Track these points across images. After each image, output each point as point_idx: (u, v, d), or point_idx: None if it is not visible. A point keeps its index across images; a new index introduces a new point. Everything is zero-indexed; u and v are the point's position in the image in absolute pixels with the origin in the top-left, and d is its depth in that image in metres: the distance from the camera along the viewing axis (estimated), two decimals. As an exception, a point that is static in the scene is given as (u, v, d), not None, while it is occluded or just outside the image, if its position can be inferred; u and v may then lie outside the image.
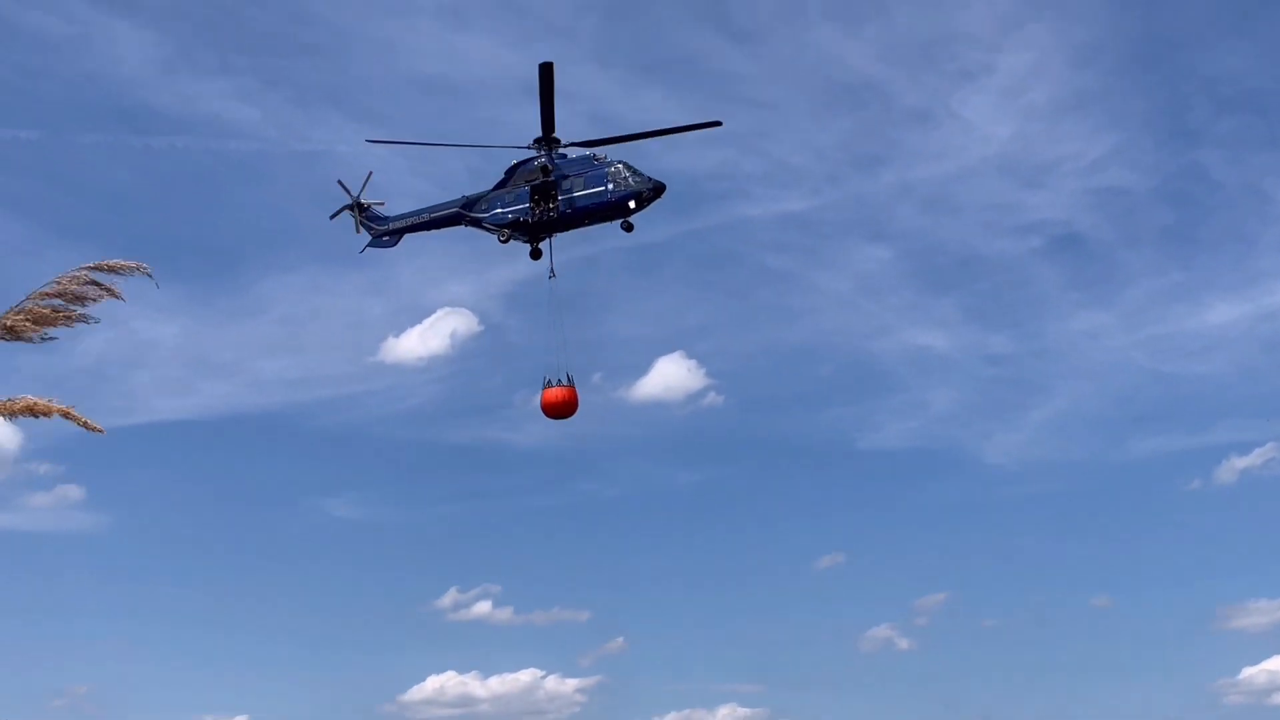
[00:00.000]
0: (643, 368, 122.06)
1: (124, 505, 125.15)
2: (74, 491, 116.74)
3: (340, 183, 69.85)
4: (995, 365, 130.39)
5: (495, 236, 66.73)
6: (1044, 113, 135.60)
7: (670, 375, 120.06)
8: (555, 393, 63.82)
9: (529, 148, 64.95)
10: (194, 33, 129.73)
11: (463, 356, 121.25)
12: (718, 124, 63.00)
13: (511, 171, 66.46)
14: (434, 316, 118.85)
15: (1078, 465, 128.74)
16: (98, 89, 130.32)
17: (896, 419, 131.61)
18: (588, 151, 64.41)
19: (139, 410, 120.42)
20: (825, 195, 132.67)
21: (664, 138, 63.58)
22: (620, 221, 63.72)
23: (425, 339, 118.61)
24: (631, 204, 62.93)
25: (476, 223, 67.17)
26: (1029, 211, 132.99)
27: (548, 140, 64.28)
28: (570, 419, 64.70)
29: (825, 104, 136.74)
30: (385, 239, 70.01)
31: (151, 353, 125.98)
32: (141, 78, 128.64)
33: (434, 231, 69.12)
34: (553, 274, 65.40)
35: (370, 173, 70.29)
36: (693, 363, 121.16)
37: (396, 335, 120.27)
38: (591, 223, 64.58)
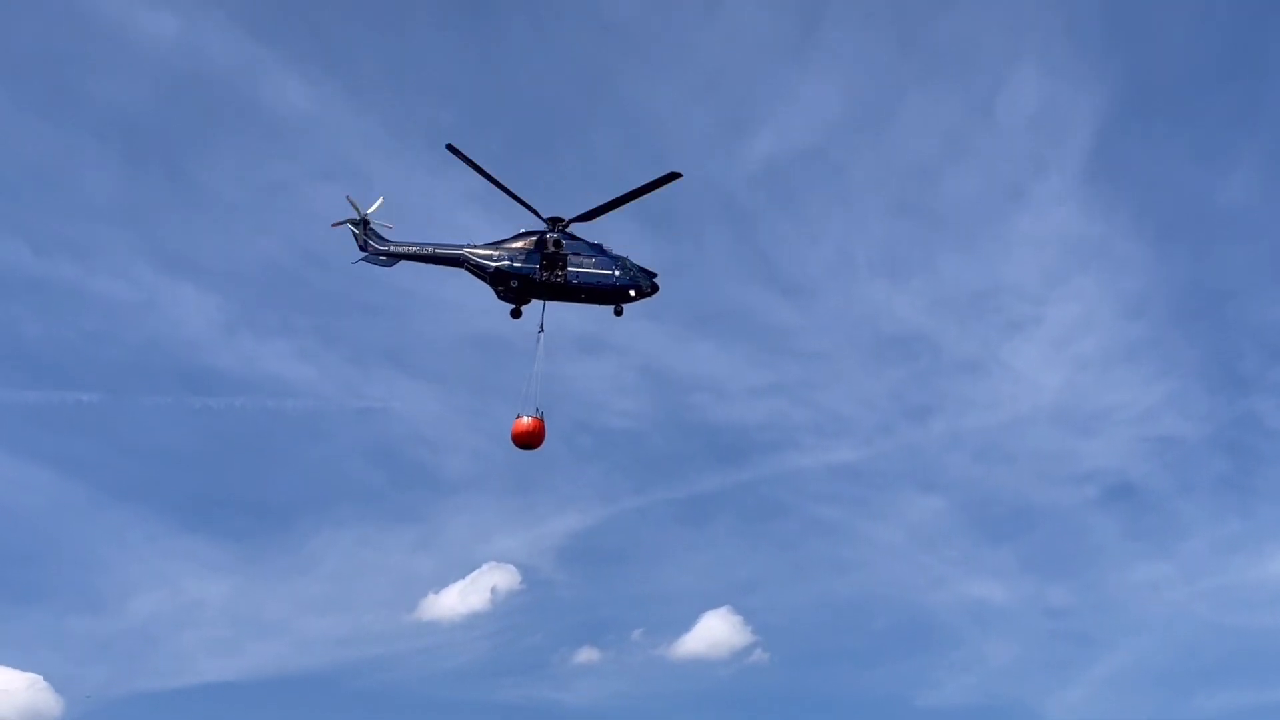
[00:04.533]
0: (687, 623, 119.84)
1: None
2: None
3: (349, 198, 70.84)
4: (1055, 618, 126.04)
5: (494, 288, 69.96)
6: (1094, 362, 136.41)
7: (715, 631, 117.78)
8: (522, 424, 68.73)
9: (544, 221, 69.79)
10: (257, 295, 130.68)
11: (505, 613, 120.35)
12: (677, 176, 66.37)
13: (521, 236, 70.66)
14: (477, 572, 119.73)
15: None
16: (160, 352, 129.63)
17: (954, 675, 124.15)
18: (596, 242, 69.98)
19: (186, 671, 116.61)
20: (876, 445, 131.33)
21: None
22: (614, 306, 69.78)
23: (465, 596, 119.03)
24: (632, 292, 69.16)
25: (481, 269, 69.79)
26: (1083, 460, 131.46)
27: (555, 219, 69.85)
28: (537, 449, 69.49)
29: (875, 355, 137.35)
30: (382, 258, 71.09)
31: (200, 612, 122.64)
32: (203, 340, 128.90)
33: (434, 268, 71.25)
34: (541, 329, 69.66)
35: (381, 198, 71.32)
36: (739, 619, 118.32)
37: (437, 592, 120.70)
38: (588, 300, 69.56)
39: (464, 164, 66.25)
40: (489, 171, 66.73)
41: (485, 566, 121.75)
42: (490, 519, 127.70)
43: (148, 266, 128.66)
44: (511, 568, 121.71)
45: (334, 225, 71.31)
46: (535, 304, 71.54)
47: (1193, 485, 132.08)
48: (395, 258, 71.49)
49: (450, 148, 65.47)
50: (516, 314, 71.20)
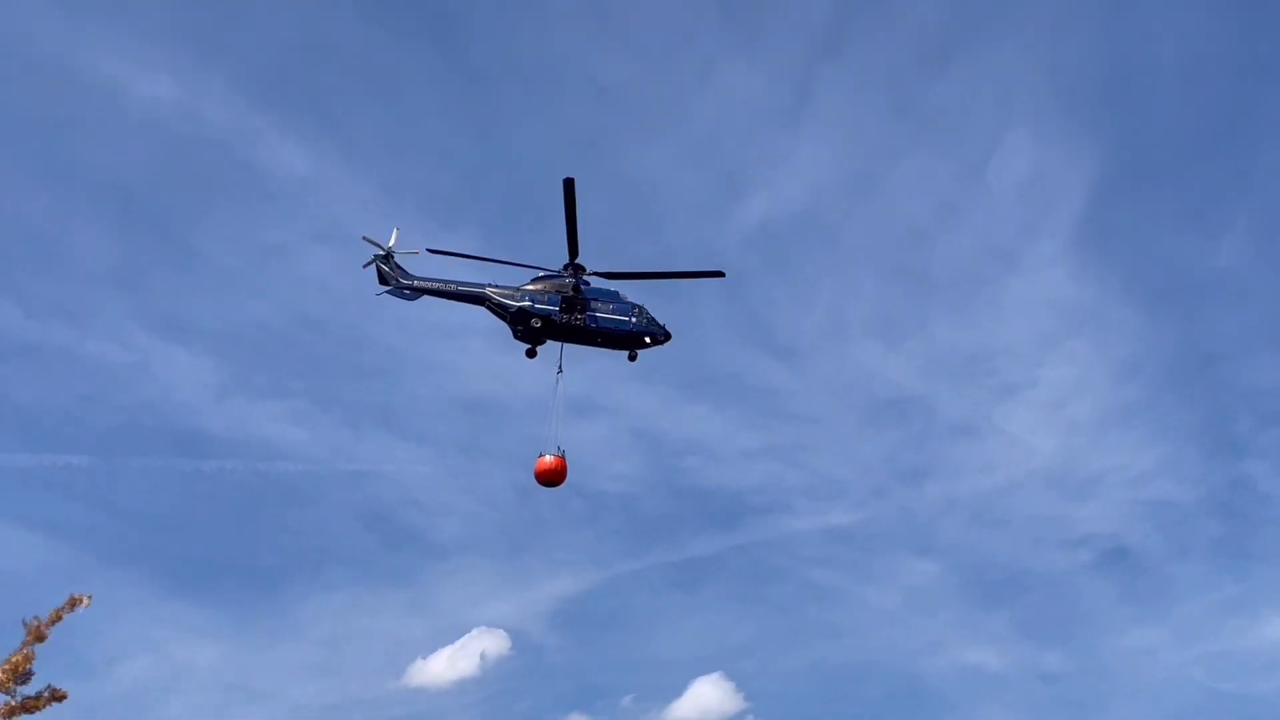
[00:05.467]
0: (678, 689, 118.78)
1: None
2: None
3: (366, 239, 71.76)
4: (1049, 684, 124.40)
5: (512, 327, 71.34)
6: (1088, 426, 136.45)
7: (707, 697, 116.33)
8: (545, 462, 70.54)
9: (561, 270, 71.81)
10: (250, 358, 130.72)
11: (495, 679, 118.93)
12: (720, 274, 69.74)
13: (541, 278, 72.47)
14: (466, 637, 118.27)
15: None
16: (153, 414, 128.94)
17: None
18: (612, 286, 72.30)
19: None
20: (871, 509, 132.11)
21: None
22: (629, 353, 72.24)
23: (454, 661, 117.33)
24: (647, 339, 71.64)
25: (502, 307, 71.33)
26: (1077, 525, 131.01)
27: (576, 266, 71.76)
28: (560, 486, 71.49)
29: (869, 418, 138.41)
30: (406, 292, 71.88)
31: (189, 678, 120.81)
32: (196, 403, 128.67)
33: (456, 304, 73.93)
34: (560, 370, 71.85)
35: (397, 228, 71.96)
36: (731, 685, 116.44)
37: (425, 658, 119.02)
38: (604, 344, 71.70)
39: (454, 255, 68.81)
40: (475, 254, 69.45)
41: (475, 631, 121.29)
42: (481, 583, 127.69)
43: (141, 329, 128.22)
44: (501, 633, 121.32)
45: (364, 266, 72.41)
46: (550, 345, 73.36)
47: (1187, 549, 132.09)
48: (419, 292, 72.67)
49: (432, 251, 68.68)
50: (532, 354, 72.98)
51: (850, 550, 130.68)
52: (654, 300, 74.21)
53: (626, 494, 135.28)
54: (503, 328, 73.66)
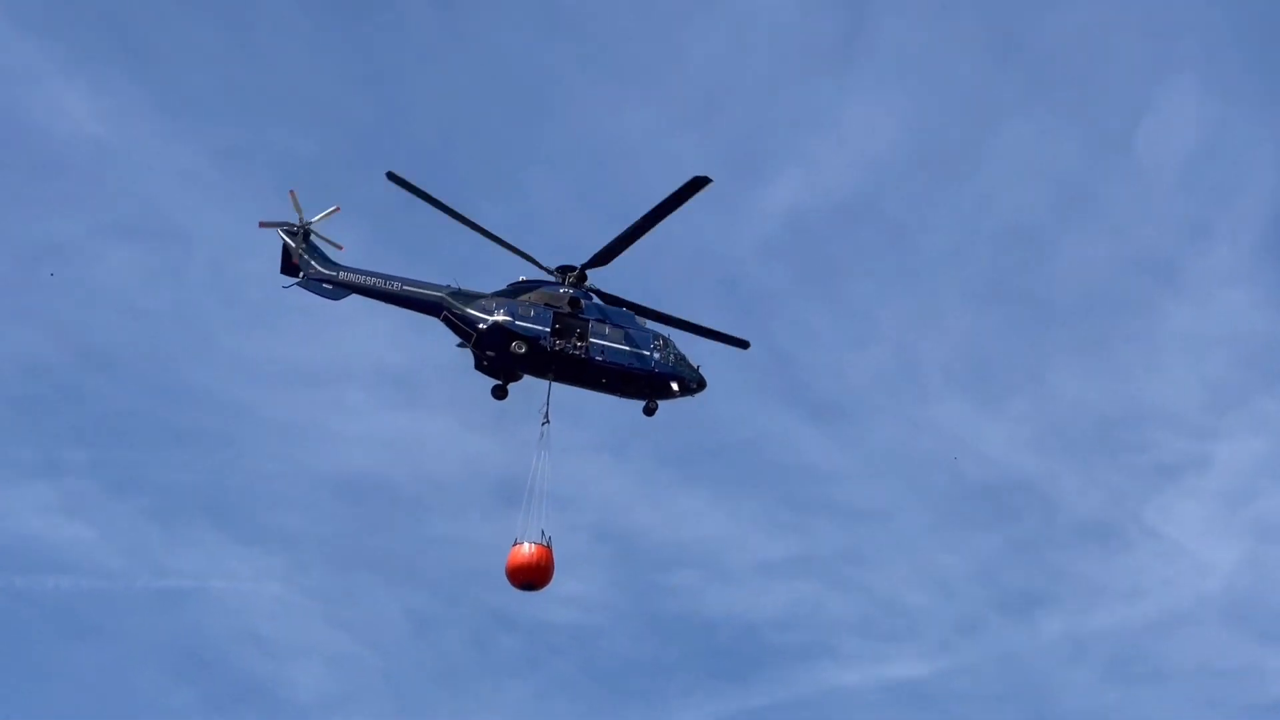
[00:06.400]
0: None
1: None
2: None
3: (292, 195, 56.50)
4: None
5: (477, 353, 56.14)
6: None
7: None
8: (522, 554, 54.29)
9: (550, 274, 57.79)
10: (5, 413, 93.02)
11: None
12: (706, 181, 54.27)
13: (521, 287, 57.75)
14: None
15: None
16: None
17: None
18: (629, 312, 58.20)
19: None
20: (956, 654, 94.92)
21: None
22: (646, 403, 57.39)
23: None
24: (674, 386, 57.19)
25: (465, 323, 55.93)
26: (1273, 680, 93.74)
27: (576, 273, 57.43)
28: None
29: (953, 513, 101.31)
30: (326, 285, 56.71)
31: None
32: None
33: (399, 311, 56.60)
34: (547, 419, 55.95)
35: (336, 206, 56.54)
36: None
37: None
38: (610, 386, 57.07)
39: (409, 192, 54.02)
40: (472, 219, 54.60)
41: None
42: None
43: None
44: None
45: (262, 224, 57.73)
46: (527, 382, 57.63)
47: None
48: (344, 288, 57.07)
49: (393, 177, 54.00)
50: (501, 393, 58.04)
51: (925, 717, 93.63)
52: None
53: (583, 626, 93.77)
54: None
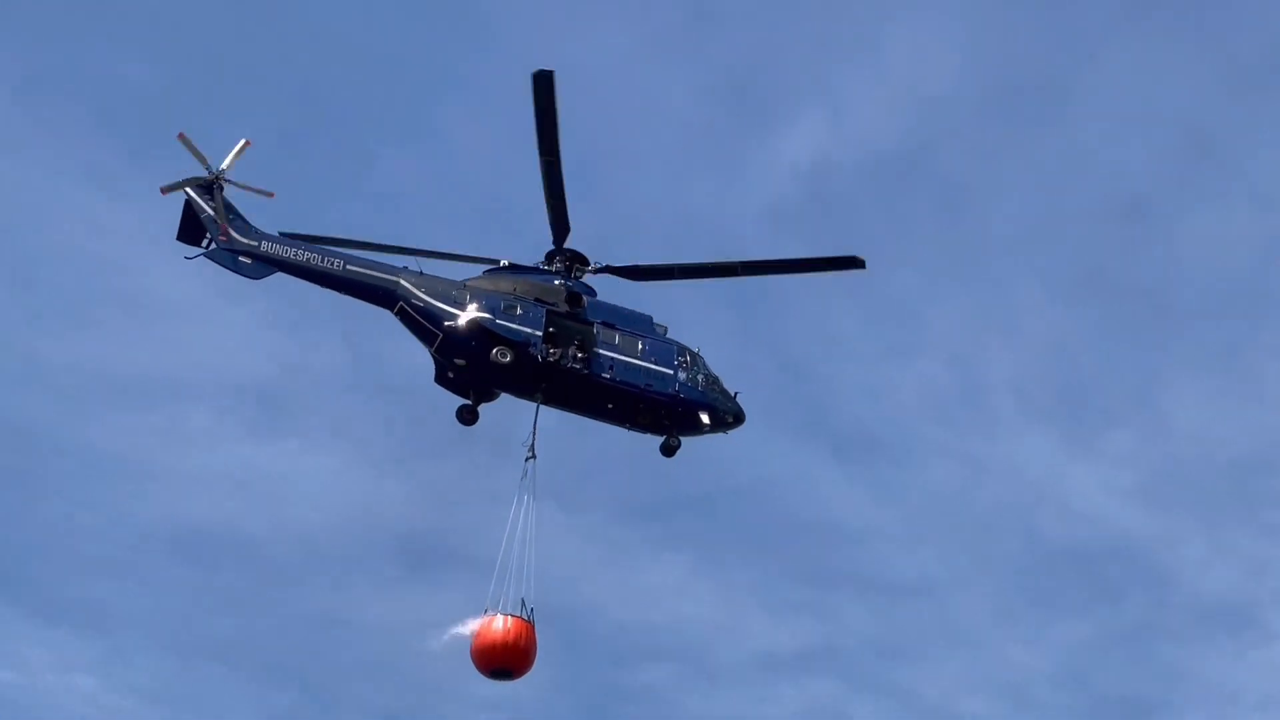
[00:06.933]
0: None
1: None
2: None
3: (183, 137, 44.22)
4: None
5: (441, 360, 44.81)
6: None
7: None
8: (493, 632, 42.26)
9: (543, 263, 46.85)
10: None
11: None
12: (859, 264, 45.98)
13: (501, 272, 46.33)
14: None
15: None
16: None
17: None
18: (644, 314, 47.46)
19: None
20: None
21: None
22: (664, 439, 46.28)
23: None
24: (704, 417, 46.24)
25: (428, 318, 44.68)
26: None
27: (568, 255, 46.02)
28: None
29: (1033, 585, 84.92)
30: (244, 260, 45.06)
31: None
32: None
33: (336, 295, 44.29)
34: (532, 453, 44.68)
35: (245, 140, 44.68)
36: None
37: None
38: (618, 414, 45.85)
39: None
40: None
41: None
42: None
43: None
44: None
45: (164, 190, 46.01)
46: (505, 401, 45.98)
47: None
48: (267, 263, 45.28)
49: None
50: (470, 417, 46.38)
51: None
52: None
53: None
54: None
